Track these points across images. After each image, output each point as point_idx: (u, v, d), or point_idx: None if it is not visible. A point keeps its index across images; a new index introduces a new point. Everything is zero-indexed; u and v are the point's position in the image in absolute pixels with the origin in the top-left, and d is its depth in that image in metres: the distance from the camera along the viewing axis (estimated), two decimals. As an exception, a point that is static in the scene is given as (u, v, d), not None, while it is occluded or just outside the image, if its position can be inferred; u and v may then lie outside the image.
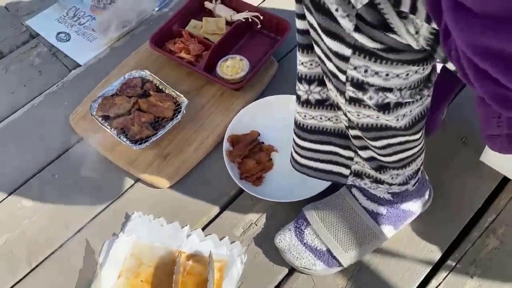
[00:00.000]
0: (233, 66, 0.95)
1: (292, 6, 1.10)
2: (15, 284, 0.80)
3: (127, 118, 0.88)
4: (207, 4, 1.07)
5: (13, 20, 1.15)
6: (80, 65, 1.06)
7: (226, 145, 0.87)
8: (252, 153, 0.87)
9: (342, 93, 0.54)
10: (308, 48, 0.56)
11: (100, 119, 0.89)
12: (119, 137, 0.86)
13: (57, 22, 1.14)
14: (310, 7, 0.48)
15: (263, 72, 0.98)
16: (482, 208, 0.84)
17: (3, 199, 0.89)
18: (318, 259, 0.75)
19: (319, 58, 0.53)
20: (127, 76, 0.94)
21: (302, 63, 0.58)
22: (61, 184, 0.89)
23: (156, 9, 1.13)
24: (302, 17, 0.53)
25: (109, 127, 0.88)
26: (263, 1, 1.14)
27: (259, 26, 1.03)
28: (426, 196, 0.78)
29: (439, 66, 0.63)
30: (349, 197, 0.76)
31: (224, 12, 1.05)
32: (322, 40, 0.49)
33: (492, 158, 0.84)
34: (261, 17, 1.02)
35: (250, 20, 1.02)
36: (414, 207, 0.76)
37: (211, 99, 0.96)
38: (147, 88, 0.92)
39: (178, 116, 0.89)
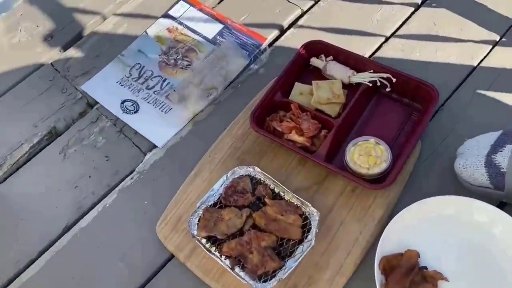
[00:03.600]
0: (367, 154, 0.71)
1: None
2: None
3: (242, 241, 0.65)
4: (314, 61, 0.83)
5: (64, 83, 0.93)
6: (157, 147, 0.83)
7: (378, 274, 0.64)
8: (413, 284, 0.64)
9: None
10: None
11: (204, 241, 0.66)
12: (233, 270, 0.64)
13: (119, 85, 0.91)
14: None
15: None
16: None
17: None
18: None
19: None
20: (230, 175, 0.71)
21: None
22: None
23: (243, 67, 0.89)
24: None
25: (218, 255, 0.65)
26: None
27: (388, 89, 0.78)
28: None
29: None
30: None
31: (340, 73, 0.81)
32: None
33: None
34: (394, 80, 0.77)
35: (378, 83, 0.78)
36: None
37: (338, 198, 0.73)
38: (260, 194, 0.69)
39: (309, 236, 0.66)
